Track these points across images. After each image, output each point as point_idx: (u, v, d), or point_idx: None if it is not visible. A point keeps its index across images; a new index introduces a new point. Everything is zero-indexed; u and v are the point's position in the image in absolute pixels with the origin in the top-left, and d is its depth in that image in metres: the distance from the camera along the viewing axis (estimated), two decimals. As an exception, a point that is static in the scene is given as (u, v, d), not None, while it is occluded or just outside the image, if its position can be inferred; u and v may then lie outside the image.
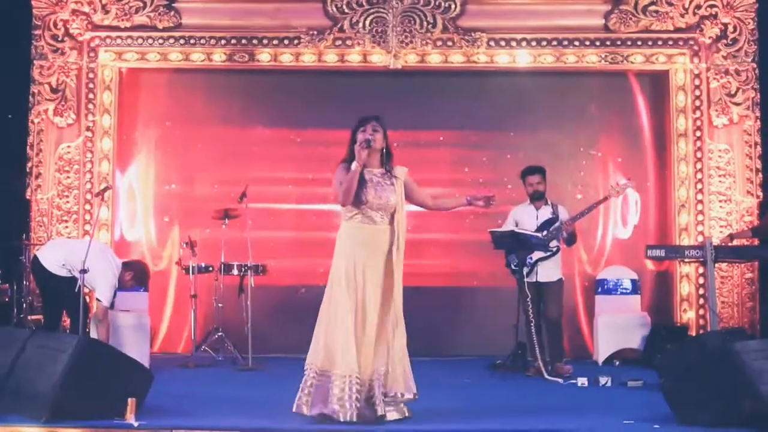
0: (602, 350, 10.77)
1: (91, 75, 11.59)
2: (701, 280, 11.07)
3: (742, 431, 6.34)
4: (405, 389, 6.65)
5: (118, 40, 11.63)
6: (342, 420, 6.33)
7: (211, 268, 10.53)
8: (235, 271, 10.28)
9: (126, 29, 11.66)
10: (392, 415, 6.60)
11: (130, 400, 6.36)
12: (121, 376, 6.64)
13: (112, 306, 9.13)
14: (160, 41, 11.66)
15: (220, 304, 10.50)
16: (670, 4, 11.62)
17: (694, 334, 10.91)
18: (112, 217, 11.62)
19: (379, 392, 6.52)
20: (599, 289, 11.25)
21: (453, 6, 11.66)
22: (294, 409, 6.55)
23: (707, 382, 6.63)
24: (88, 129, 11.55)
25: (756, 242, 10.67)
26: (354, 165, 6.55)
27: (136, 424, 6.26)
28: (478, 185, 11.50)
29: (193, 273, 10.37)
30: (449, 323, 11.56)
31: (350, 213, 6.70)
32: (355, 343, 6.47)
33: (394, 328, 6.66)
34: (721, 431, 6.34)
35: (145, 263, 9.96)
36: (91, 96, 11.59)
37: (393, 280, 6.67)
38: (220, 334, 10.42)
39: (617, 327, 10.76)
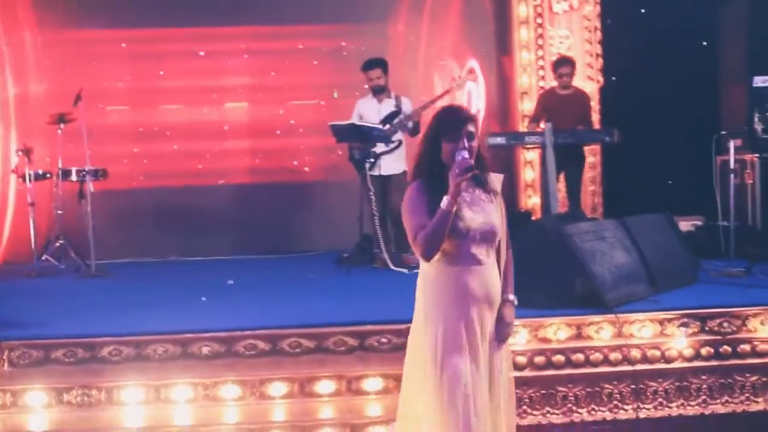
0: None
1: None
2: (547, 166, 11.22)
3: (575, 311, 6.52)
4: None
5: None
6: None
7: (48, 175, 10.22)
8: (74, 177, 9.98)
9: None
10: None
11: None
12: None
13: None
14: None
15: (59, 212, 10.21)
16: None
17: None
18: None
19: None
20: (445, 179, 11.26)
21: None
22: None
23: (543, 264, 6.78)
24: None
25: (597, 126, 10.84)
26: (446, 201, 4.31)
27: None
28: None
29: (30, 180, 10.05)
30: (297, 219, 11.58)
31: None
32: None
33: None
34: (555, 312, 6.50)
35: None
36: None
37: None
38: (61, 242, 10.15)
39: (462, 215, 10.79)
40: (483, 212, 4.49)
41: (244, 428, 5.71)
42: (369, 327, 6.44)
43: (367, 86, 9.76)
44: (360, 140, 9.36)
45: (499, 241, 4.62)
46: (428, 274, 4.56)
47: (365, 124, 9.40)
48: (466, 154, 4.30)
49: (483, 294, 4.53)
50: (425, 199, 4.44)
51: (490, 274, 4.55)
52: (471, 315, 4.50)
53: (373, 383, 6.06)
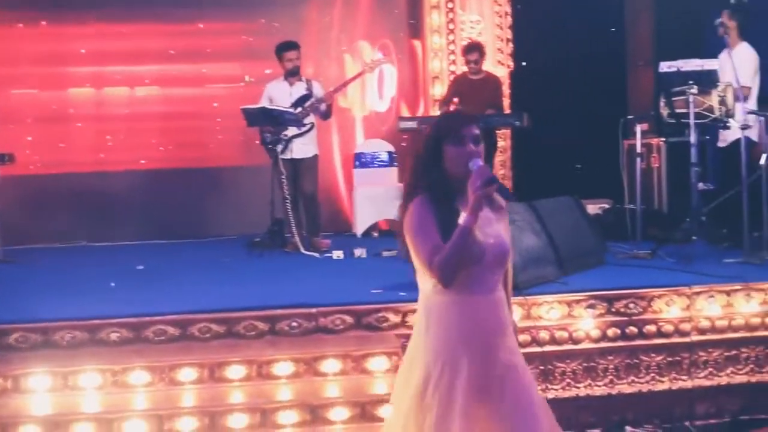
0: (360, 223, 10.97)
1: None
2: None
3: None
4: None
5: None
6: None
7: (-47, 160, 9.98)
8: (-20, 162, 9.76)
9: None
10: None
11: None
12: None
13: None
14: None
15: (-35, 197, 9.97)
16: None
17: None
18: None
19: None
20: (357, 163, 11.33)
21: None
22: None
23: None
24: None
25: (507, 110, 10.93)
26: (465, 217, 3.72)
27: None
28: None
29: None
30: (209, 204, 11.46)
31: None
32: None
33: None
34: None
35: None
36: None
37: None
38: (-33, 227, 9.93)
39: (375, 199, 10.91)
40: (494, 231, 3.87)
41: (153, 414, 5.65)
42: (279, 311, 6.44)
43: (285, 69, 9.66)
44: (271, 124, 9.32)
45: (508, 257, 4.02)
46: (432, 305, 3.87)
47: (276, 107, 9.36)
48: (481, 162, 3.81)
49: (498, 326, 3.90)
50: (432, 217, 3.82)
51: (502, 300, 3.96)
52: (487, 355, 3.82)
53: (283, 367, 6.03)
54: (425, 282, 3.87)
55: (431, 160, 3.90)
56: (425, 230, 3.80)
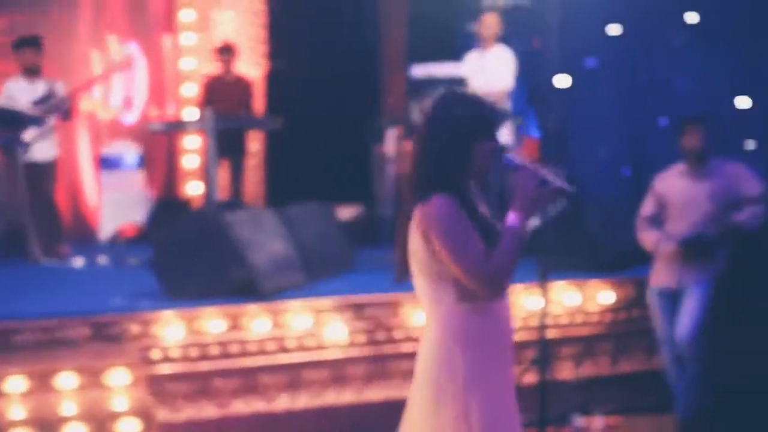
0: (106, 228, 10.57)
1: None
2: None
3: (231, 300, 6.42)
4: None
5: None
6: None
7: None
8: None
9: None
10: None
11: None
12: None
13: None
14: None
15: None
16: None
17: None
18: None
19: None
20: (102, 166, 10.91)
21: None
22: None
23: (200, 253, 6.74)
24: None
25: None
26: (515, 218, 3.41)
27: None
28: None
29: None
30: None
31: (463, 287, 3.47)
32: None
33: None
34: (211, 302, 6.36)
35: None
36: None
37: None
38: None
39: (121, 204, 10.55)
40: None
41: None
42: (12, 323, 6.08)
43: (24, 66, 9.13)
44: (7, 124, 8.80)
45: None
46: (454, 319, 3.45)
47: (13, 107, 8.84)
48: (519, 158, 3.53)
49: (511, 329, 3.59)
50: (467, 220, 3.40)
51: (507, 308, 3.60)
52: (510, 362, 3.55)
53: (16, 383, 5.67)
54: (444, 293, 3.44)
55: (459, 156, 3.45)
56: (466, 235, 3.37)
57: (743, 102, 10.12)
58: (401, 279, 3.55)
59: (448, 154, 3.43)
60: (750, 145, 10.14)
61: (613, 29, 10.59)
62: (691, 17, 10.39)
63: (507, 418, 3.48)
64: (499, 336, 3.48)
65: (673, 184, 6.55)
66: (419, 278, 3.48)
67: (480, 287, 3.37)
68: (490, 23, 8.88)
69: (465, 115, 3.46)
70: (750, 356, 6.48)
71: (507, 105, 8.87)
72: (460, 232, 3.36)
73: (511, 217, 3.39)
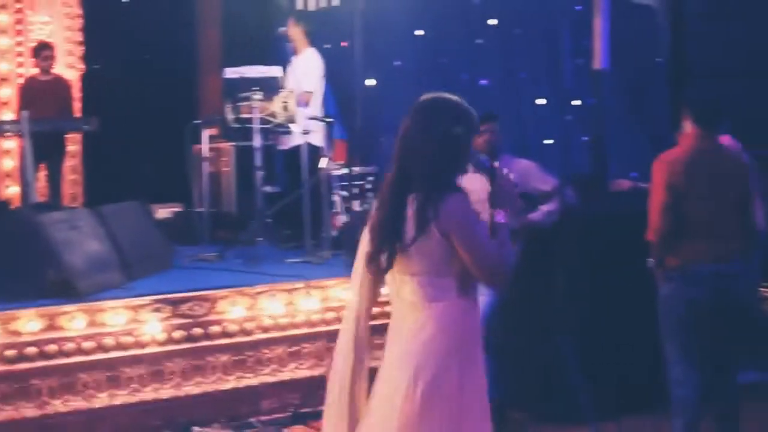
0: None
1: None
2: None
3: (48, 301, 6.45)
4: None
5: None
6: None
7: None
8: None
9: None
10: None
11: None
12: None
13: None
14: None
15: None
16: None
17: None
18: None
19: None
20: None
21: None
22: None
23: (15, 255, 6.69)
24: None
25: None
26: (509, 219, 3.67)
27: None
28: None
29: None
30: None
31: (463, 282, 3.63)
32: None
33: None
34: (27, 303, 6.37)
35: None
36: None
37: None
38: None
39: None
40: None
41: None
42: None
43: None
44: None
45: None
46: (451, 311, 3.58)
47: None
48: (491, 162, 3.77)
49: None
50: (477, 215, 3.60)
51: None
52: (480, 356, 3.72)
53: None
54: (446, 289, 3.55)
55: (461, 157, 3.65)
56: (484, 232, 3.56)
57: (540, 100, 10.70)
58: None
59: (462, 152, 3.64)
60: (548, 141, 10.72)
61: (418, 32, 10.99)
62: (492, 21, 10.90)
63: (487, 412, 3.67)
64: (478, 329, 3.67)
65: (472, 181, 6.85)
66: (419, 276, 3.56)
67: (494, 281, 3.57)
68: (291, 32, 9.18)
69: (464, 116, 3.63)
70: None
71: (317, 108, 9.15)
72: (480, 230, 3.54)
73: (501, 215, 3.62)
